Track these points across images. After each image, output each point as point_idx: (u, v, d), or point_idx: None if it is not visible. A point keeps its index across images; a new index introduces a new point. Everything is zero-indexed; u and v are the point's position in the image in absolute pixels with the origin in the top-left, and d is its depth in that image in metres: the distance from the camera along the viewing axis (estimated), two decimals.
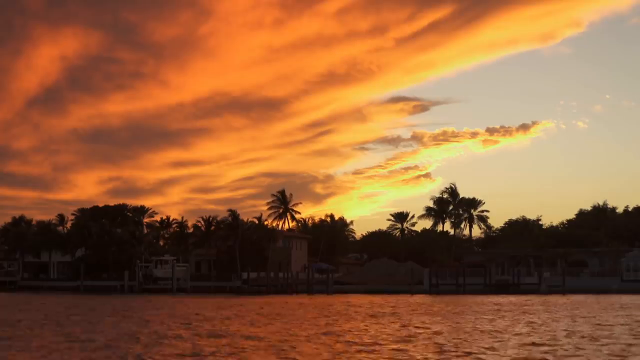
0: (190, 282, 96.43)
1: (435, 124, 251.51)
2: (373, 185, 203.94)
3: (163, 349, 25.88)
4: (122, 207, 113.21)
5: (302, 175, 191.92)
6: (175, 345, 27.14)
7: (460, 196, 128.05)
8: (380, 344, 27.31)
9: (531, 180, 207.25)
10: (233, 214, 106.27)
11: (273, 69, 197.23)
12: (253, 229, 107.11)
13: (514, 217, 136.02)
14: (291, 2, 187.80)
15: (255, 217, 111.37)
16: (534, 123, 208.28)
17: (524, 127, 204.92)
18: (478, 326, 35.49)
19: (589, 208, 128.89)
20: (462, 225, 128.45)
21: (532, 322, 38.13)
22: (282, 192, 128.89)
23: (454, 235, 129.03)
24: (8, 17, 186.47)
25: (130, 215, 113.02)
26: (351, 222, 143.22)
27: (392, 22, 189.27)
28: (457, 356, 23.80)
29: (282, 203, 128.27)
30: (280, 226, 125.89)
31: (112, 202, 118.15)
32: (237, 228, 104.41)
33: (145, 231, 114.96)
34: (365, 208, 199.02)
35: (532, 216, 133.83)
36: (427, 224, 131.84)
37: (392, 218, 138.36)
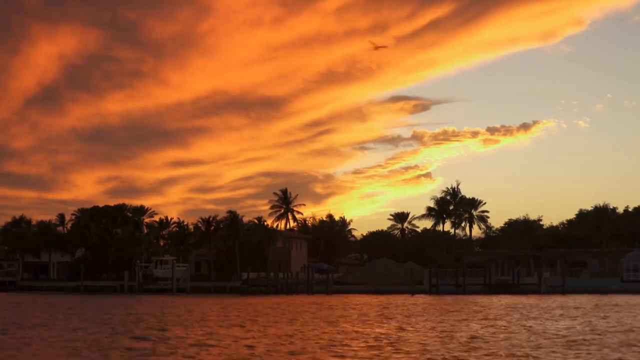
0: (190, 282, 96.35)
1: (436, 123, 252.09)
2: (373, 185, 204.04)
3: None
4: (121, 207, 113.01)
5: (301, 175, 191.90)
6: None
7: (461, 196, 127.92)
8: None
9: (531, 180, 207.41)
10: (232, 214, 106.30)
11: (272, 68, 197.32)
12: (253, 230, 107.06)
13: (514, 217, 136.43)
14: (290, 0, 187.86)
15: (255, 218, 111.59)
16: (534, 122, 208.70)
17: (525, 127, 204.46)
18: None
19: (589, 208, 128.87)
20: (462, 225, 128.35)
21: None
22: (285, 192, 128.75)
23: (454, 235, 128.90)
24: (6, 16, 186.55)
25: (130, 215, 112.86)
26: (350, 220, 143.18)
27: (392, 21, 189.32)
28: None
29: (284, 202, 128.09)
30: (280, 226, 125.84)
31: (111, 202, 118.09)
32: (236, 228, 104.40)
33: (145, 231, 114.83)
34: (365, 208, 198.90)
35: (532, 216, 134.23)
36: (427, 224, 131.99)
37: (392, 218, 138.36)
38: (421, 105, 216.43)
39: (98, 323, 39.64)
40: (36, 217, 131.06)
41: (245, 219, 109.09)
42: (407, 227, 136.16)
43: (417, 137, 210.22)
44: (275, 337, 31.74)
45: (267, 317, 45.01)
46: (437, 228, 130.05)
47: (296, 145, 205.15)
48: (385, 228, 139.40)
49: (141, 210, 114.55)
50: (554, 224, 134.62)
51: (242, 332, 34.37)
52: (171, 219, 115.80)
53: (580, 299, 69.69)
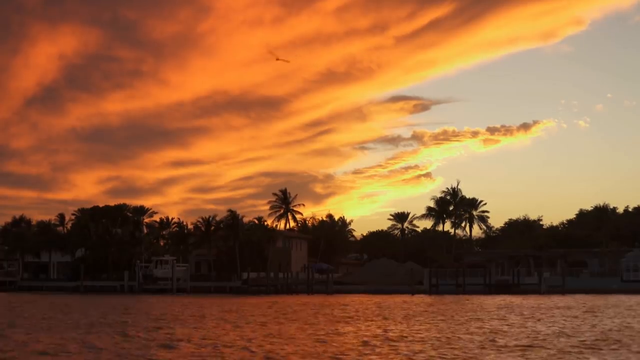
0: (190, 282, 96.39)
1: (436, 123, 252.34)
2: (373, 185, 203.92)
3: None
4: (121, 207, 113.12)
5: (301, 175, 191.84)
6: None
7: (461, 196, 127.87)
8: None
9: (532, 180, 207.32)
10: (232, 214, 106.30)
11: (272, 68, 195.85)
12: (253, 230, 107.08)
13: (514, 217, 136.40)
14: (290, 0, 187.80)
15: (255, 218, 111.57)
16: (535, 122, 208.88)
17: (525, 127, 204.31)
18: None
19: (589, 208, 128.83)
20: (462, 225, 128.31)
21: None
22: (284, 192, 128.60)
23: (454, 235, 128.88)
24: (5, 15, 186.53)
25: (130, 215, 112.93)
26: (350, 220, 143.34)
27: (392, 20, 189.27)
28: None
29: (284, 202, 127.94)
30: (280, 226, 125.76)
31: (111, 202, 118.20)
32: (236, 228, 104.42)
33: (145, 231, 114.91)
34: (365, 208, 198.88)
35: (532, 216, 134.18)
36: (427, 224, 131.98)
37: (392, 218, 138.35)
38: (421, 105, 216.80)
39: (94, 323, 39.67)
40: (36, 217, 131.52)
41: (245, 219, 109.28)
42: (407, 227, 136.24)
43: (417, 137, 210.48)
44: (267, 336, 31.75)
45: (263, 317, 45.01)
46: (437, 228, 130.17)
47: (296, 145, 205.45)
48: (385, 228, 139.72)
49: (141, 210, 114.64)
50: (554, 224, 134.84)
51: (236, 332, 34.37)
52: (171, 219, 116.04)
53: (577, 299, 69.64)
